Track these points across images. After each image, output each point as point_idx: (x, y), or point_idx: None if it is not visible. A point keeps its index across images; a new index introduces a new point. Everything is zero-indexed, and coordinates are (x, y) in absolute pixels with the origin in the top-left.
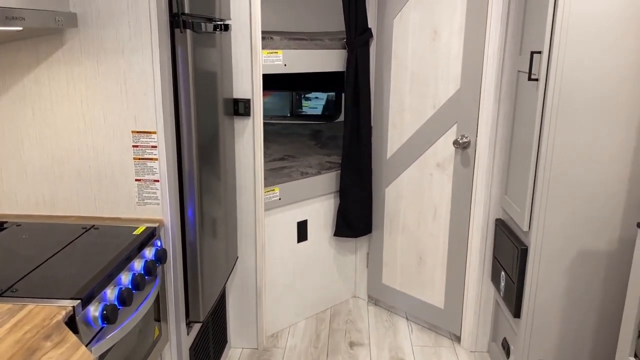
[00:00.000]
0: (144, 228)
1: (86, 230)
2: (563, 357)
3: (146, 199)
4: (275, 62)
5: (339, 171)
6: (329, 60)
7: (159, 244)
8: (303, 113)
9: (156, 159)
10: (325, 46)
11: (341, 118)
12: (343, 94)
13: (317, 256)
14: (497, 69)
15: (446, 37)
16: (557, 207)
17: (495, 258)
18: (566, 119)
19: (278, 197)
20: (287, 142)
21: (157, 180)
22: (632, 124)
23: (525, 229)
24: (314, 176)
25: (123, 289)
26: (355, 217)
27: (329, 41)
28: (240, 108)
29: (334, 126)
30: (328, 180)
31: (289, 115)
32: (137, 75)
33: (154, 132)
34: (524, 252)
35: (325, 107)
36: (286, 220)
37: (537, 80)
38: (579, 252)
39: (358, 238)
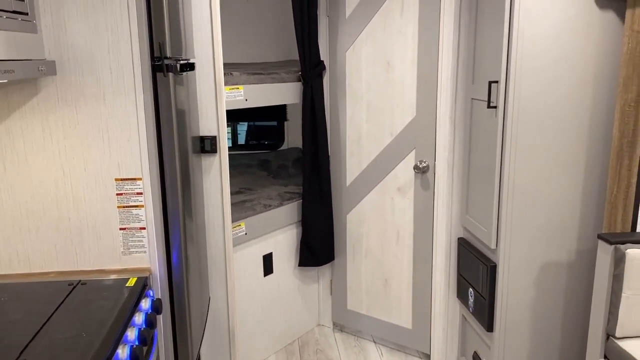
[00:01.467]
0: (136, 279)
1: (74, 287)
2: None
3: (132, 247)
4: (237, 98)
5: (300, 201)
6: (286, 93)
7: (151, 293)
8: (251, 143)
9: (142, 206)
10: (281, 79)
11: (285, 146)
12: (285, 123)
13: (282, 288)
14: (451, 97)
15: (399, 69)
16: (521, 224)
17: (460, 275)
18: (524, 142)
19: (244, 232)
20: (237, 174)
21: (144, 228)
22: (582, 145)
23: (493, 247)
24: (276, 208)
25: (134, 346)
26: (319, 246)
27: (285, 74)
28: (207, 145)
29: (278, 155)
30: (290, 210)
31: (230, 146)
32: (120, 120)
33: (140, 179)
34: (493, 269)
35: (267, 136)
36: (252, 254)
37: (495, 107)
38: (542, 264)
39: (321, 266)
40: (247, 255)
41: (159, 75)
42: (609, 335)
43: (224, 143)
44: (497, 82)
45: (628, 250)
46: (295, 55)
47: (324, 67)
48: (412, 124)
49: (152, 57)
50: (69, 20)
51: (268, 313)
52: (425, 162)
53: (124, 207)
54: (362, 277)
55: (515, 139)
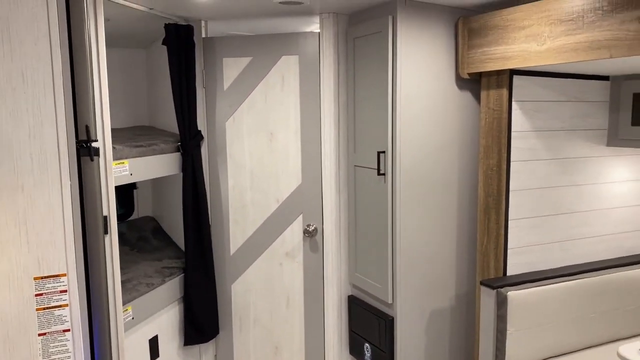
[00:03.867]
0: None
1: None
2: None
3: (53, 354)
4: (123, 173)
5: (182, 275)
6: (168, 164)
7: None
8: None
9: (66, 305)
10: (162, 151)
11: (135, 215)
12: (135, 191)
13: None
14: (335, 164)
15: (283, 138)
16: (411, 278)
17: (353, 332)
18: (408, 204)
19: (131, 317)
20: None
21: (68, 330)
22: (454, 205)
23: (390, 301)
24: (160, 286)
25: None
26: (204, 321)
27: (164, 145)
28: None
29: (131, 226)
30: (173, 286)
31: None
32: (42, 212)
33: (64, 275)
34: (390, 322)
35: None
36: (139, 339)
37: (384, 174)
38: (430, 312)
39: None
40: (134, 341)
41: (84, 159)
42: None
43: (114, 223)
44: (384, 152)
45: (509, 293)
46: (143, 121)
47: (202, 137)
48: (299, 190)
49: (77, 141)
50: None
51: None
52: (313, 226)
53: (44, 308)
54: (250, 348)
55: (402, 201)
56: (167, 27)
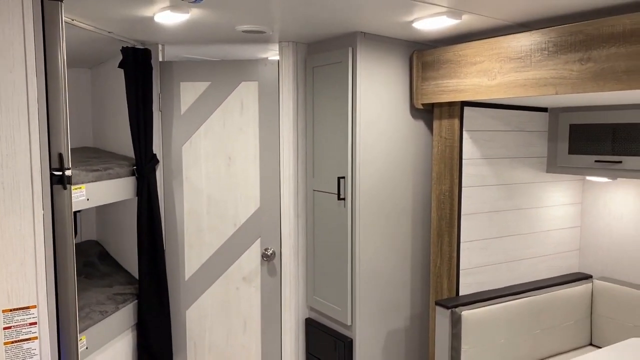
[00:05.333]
0: None
1: None
2: None
3: None
4: (80, 198)
5: (136, 301)
6: (123, 188)
7: None
8: None
9: (36, 338)
10: (117, 175)
11: (78, 239)
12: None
13: None
14: (294, 189)
15: (242, 163)
16: (369, 300)
17: (310, 354)
18: (366, 229)
19: (85, 347)
20: None
21: None
22: (408, 228)
23: (349, 323)
24: (114, 313)
25: None
26: (158, 348)
27: (119, 168)
28: None
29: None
30: (127, 313)
31: None
32: (12, 242)
33: (34, 307)
34: (349, 344)
35: None
36: None
37: (344, 199)
38: (387, 333)
39: None
40: None
41: (56, 188)
42: None
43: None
44: (344, 177)
45: (463, 312)
46: (87, 142)
47: (157, 161)
48: (257, 214)
49: (51, 168)
50: None
51: None
52: (271, 250)
53: (13, 342)
54: None
55: (361, 225)
56: (125, 50)
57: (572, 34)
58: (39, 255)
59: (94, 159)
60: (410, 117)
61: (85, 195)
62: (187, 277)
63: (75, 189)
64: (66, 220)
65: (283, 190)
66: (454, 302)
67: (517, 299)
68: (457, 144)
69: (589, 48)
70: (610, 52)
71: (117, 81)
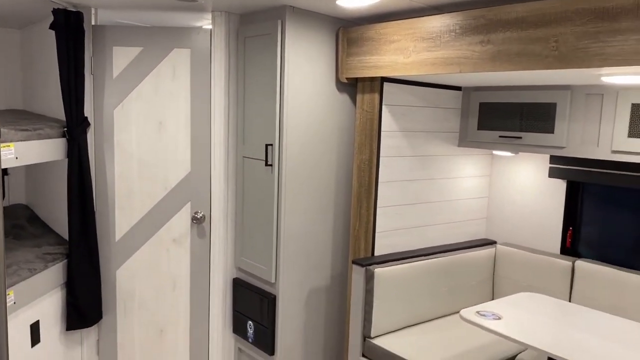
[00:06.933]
0: None
1: None
2: None
3: None
4: (9, 156)
5: (66, 261)
6: (53, 149)
7: None
8: None
9: None
10: (48, 135)
11: (6, 202)
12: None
13: (50, 357)
14: (224, 155)
15: (173, 128)
16: (292, 260)
17: (237, 312)
18: (292, 193)
19: (13, 302)
20: None
21: None
22: (331, 194)
23: (273, 281)
24: (42, 271)
25: None
26: (87, 306)
27: (49, 130)
28: None
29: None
30: (56, 272)
31: None
32: None
33: None
34: (273, 300)
35: None
36: (20, 325)
37: (271, 165)
38: (309, 291)
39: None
40: (15, 326)
41: None
42: (366, 336)
43: (0, 214)
44: (271, 145)
45: (376, 270)
46: (16, 104)
47: (88, 124)
48: (187, 178)
49: None
50: None
51: None
52: (201, 213)
53: None
54: (134, 332)
55: (287, 190)
56: (56, 12)
57: (476, 18)
58: None
59: (24, 120)
60: (335, 90)
61: (14, 153)
62: (117, 238)
63: (4, 147)
64: None
65: (214, 156)
66: (369, 261)
67: (426, 259)
68: (376, 116)
69: (489, 32)
70: (506, 36)
71: (48, 43)
